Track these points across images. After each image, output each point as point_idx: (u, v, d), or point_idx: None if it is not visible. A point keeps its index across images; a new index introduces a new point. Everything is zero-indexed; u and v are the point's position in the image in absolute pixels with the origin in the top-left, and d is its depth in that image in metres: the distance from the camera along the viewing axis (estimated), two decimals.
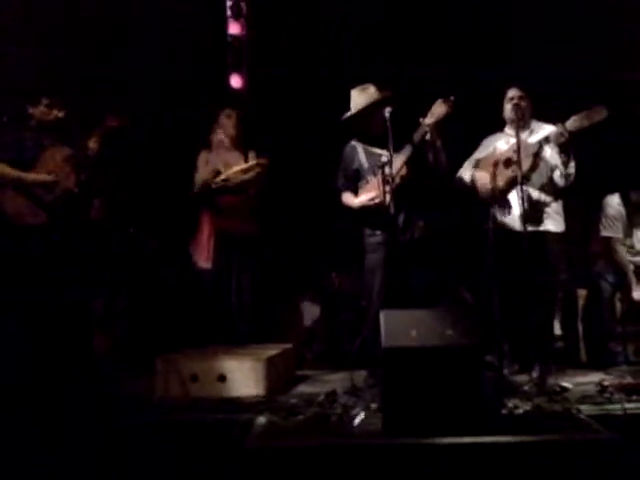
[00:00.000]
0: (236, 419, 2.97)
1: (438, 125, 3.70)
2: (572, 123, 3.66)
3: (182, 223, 4.40)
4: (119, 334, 4.21)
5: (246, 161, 4.26)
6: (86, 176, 3.86)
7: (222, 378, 3.42)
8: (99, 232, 4.22)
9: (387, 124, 3.45)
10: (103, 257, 4.26)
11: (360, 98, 3.80)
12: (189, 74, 5.18)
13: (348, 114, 3.83)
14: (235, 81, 5.51)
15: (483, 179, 3.92)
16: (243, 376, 3.41)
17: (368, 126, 3.82)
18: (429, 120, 3.68)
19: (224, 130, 4.33)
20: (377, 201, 3.67)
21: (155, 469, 2.83)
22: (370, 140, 3.85)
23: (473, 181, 3.99)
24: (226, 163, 4.26)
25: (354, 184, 3.92)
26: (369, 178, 3.81)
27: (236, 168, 4.17)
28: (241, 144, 4.35)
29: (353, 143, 3.95)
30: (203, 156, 4.32)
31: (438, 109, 3.67)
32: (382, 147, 3.63)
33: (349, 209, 3.91)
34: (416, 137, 3.71)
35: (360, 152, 3.89)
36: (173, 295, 4.55)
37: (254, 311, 4.27)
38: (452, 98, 3.66)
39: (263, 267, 4.38)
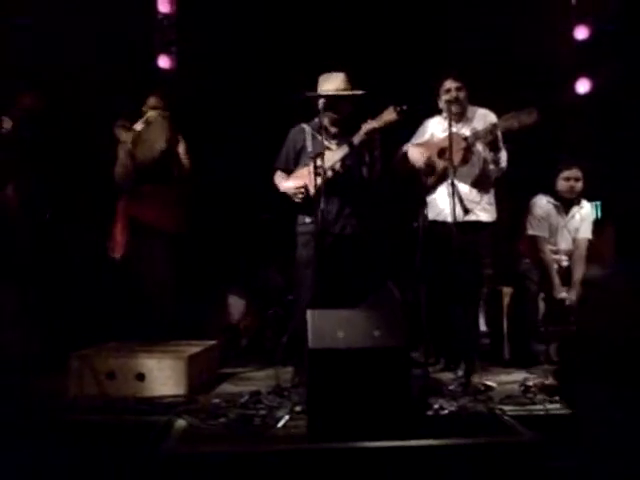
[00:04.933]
0: (154, 421, 2.84)
1: (382, 130, 3.60)
2: (501, 123, 3.63)
3: (102, 211, 4.18)
4: (31, 329, 3.95)
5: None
6: None
7: (141, 377, 3.28)
8: (10, 219, 3.96)
9: (321, 117, 3.43)
10: (14, 247, 3.99)
11: (330, 85, 3.67)
12: (117, 54, 4.94)
13: (313, 94, 3.63)
14: (163, 61, 5.31)
15: (416, 153, 3.89)
16: (163, 375, 3.27)
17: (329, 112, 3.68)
18: (372, 124, 3.59)
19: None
20: (300, 196, 3.69)
21: (66, 473, 2.69)
22: (319, 129, 3.67)
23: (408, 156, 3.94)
24: None
25: (292, 165, 3.85)
26: (307, 163, 3.70)
27: (137, 125, 3.98)
28: None
29: (303, 126, 3.86)
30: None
31: (386, 116, 3.56)
32: (332, 138, 3.70)
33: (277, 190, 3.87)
34: (355, 138, 3.64)
35: (308, 136, 3.81)
36: (88, 286, 4.31)
37: (175, 305, 4.13)
38: (405, 107, 3.53)
39: (187, 260, 4.22)
